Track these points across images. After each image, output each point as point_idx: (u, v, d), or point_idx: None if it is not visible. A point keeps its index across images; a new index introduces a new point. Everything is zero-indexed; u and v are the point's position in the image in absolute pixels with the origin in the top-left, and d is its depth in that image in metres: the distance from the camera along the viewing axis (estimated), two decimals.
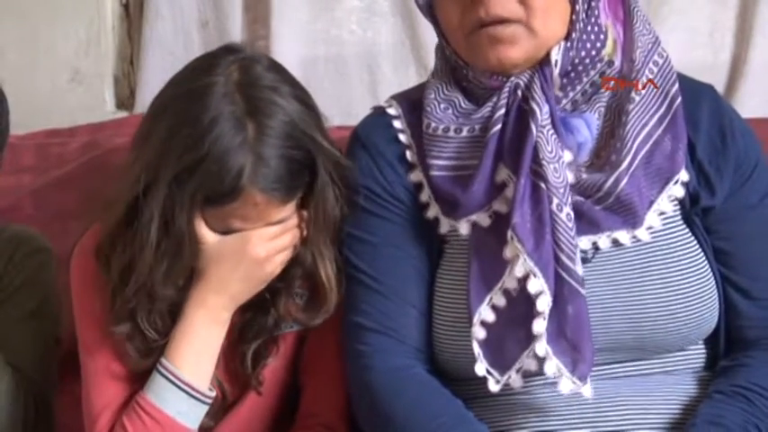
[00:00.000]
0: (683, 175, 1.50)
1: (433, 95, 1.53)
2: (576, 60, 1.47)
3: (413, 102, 1.57)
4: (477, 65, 1.50)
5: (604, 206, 1.46)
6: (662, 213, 1.49)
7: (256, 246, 1.46)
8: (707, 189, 1.51)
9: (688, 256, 1.48)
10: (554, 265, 1.40)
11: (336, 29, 2.42)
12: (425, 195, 1.51)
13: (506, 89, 1.47)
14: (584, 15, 1.47)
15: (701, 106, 1.53)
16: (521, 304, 1.41)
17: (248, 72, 1.46)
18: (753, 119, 1.86)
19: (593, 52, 1.47)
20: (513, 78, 1.47)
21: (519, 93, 1.46)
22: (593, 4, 1.47)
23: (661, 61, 1.52)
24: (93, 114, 2.32)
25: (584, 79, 1.48)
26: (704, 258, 1.49)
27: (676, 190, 1.50)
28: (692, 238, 1.50)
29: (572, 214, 1.42)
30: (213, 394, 1.51)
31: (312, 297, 1.54)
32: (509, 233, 1.41)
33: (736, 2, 2.31)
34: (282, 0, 2.36)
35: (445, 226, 1.50)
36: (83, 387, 1.54)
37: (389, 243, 1.52)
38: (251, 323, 1.54)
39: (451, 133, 1.49)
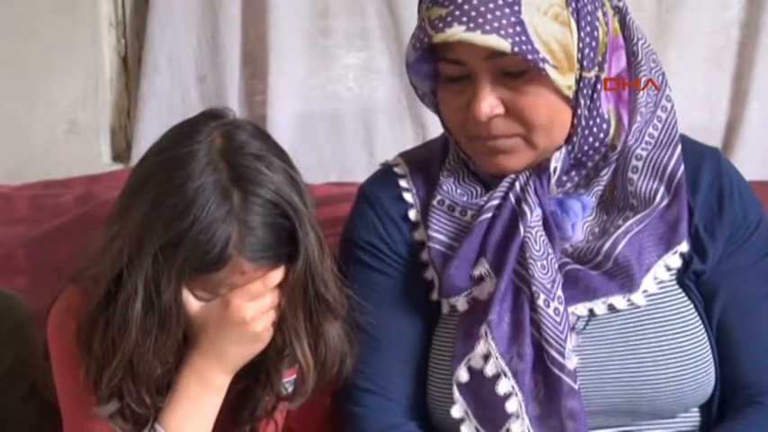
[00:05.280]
0: (683, 247, 1.49)
1: (452, 179, 1.53)
2: (579, 155, 1.46)
3: (420, 161, 1.58)
4: (477, 164, 1.51)
5: (602, 271, 1.45)
6: (656, 278, 1.48)
7: (239, 308, 1.41)
8: (699, 254, 1.50)
9: (683, 319, 1.48)
10: (531, 366, 1.40)
11: (333, 85, 2.43)
12: (426, 255, 1.51)
13: (503, 186, 1.47)
14: (586, 114, 1.45)
15: (702, 171, 1.52)
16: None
17: (232, 139, 1.42)
18: (748, 182, 1.86)
19: (597, 144, 1.46)
20: (512, 175, 1.48)
21: (512, 195, 1.46)
22: (594, 96, 1.44)
23: (660, 125, 1.50)
24: (89, 166, 2.32)
25: (588, 166, 1.48)
26: (700, 323, 1.48)
27: (673, 260, 1.49)
28: (688, 301, 1.49)
29: (560, 308, 1.42)
30: None
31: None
32: (483, 328, 1.41)
33: (732, 65, 2.33)
34: (280, 56, 2.37)
35: (436, 294, 1.50)
36: None
37: (389, 300, 1.51)
38: (246, 402, 1.50)
39: (456, 213, 1.50)
